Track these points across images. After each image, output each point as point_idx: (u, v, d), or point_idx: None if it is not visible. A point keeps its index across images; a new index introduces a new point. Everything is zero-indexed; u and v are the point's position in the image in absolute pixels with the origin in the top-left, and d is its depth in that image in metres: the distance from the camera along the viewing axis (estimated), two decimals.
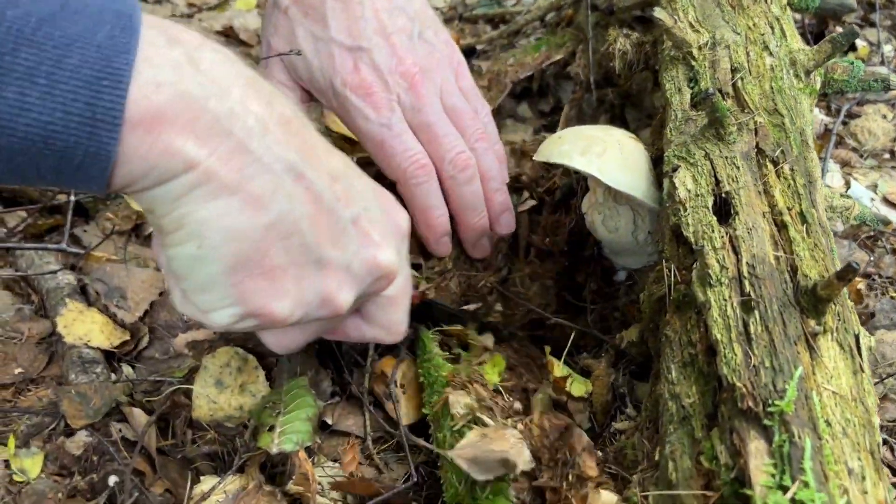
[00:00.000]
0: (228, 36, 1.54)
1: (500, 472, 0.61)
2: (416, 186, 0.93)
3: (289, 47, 0.96)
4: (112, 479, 0.73)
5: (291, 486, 0.73)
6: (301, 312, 0.62)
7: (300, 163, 0.58)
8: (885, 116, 1.36)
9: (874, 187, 1.22)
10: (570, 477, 0.63)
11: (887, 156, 1.30)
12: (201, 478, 0.75)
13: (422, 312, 0.90)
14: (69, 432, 0.80)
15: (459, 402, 0.71)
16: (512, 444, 0.62)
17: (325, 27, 0.93)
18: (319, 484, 0.73)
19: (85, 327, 0.90)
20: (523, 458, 0.62)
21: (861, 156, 1.30)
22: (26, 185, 0.52)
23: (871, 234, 1.14)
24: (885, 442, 0.85)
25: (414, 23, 0.97)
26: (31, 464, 0.75)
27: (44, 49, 0.47)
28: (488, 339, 0.90)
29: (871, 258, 1.11)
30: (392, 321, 0.75)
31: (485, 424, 0.68)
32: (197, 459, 0.80)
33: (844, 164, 1.27)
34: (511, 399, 0.73)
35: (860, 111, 1.38)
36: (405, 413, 0.82)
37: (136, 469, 0.75)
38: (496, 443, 0.63)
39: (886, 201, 1.20)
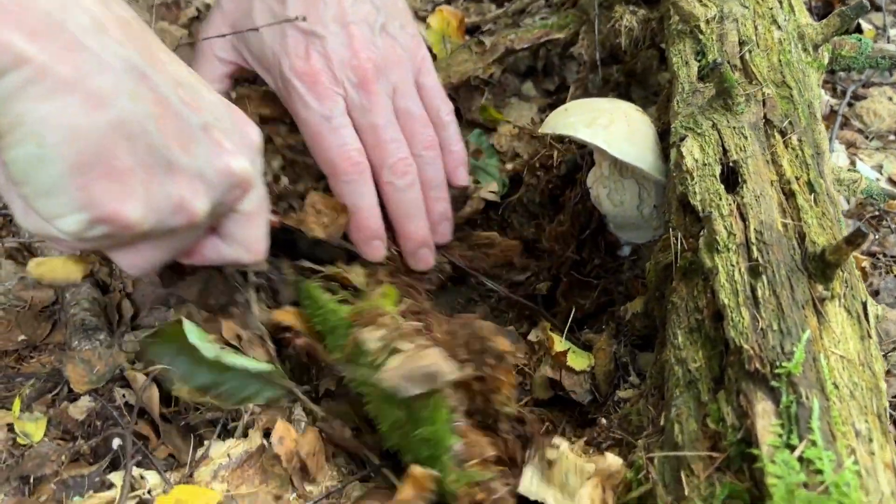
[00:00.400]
0: None
1: (430, 383, 0.63)
2: (345, 184, 0.89)
3: (241, 19, 0.90)
4: (115, 443, 0.73)
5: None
6: (154, 219, 0.60)
7: (142, 64, 0.57)
8: (890, 98, 1.35)
9: (879, 168, 1.22)
10: (490, 359, 0.66)
11: (893, 137, 1.30)
12: (205, 443, 0.75)
13: (283, 242, 0.86)
14: (73, 398, 0.80)
15: (372, 337, 0.70)
16: (436, 358, 0.65)
17: (283, 5, 0.88)
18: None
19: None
20: (450, 367, 0.64)
21: (866, 137, 1.29)
22: None
23: (877, 213, 1.13)
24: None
25: (379, 13, 0.92)
26: (34, 427, 0.75)
27: None
28: (358, 274, 0.88)
29: (876, 237, 1.11)
30: (251, 238, 0.72)
31: (402, 350, 0.69)
32: (200, 426, 0.80)
33: (850, 144, 1.27)
34: (413, 320, 0.74)
35: (866, 93, 1.37)
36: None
37: (139, 433, 0.75)
38: (421, 360, 0.65)
39: (892, 182, 1.19)
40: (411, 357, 0.66)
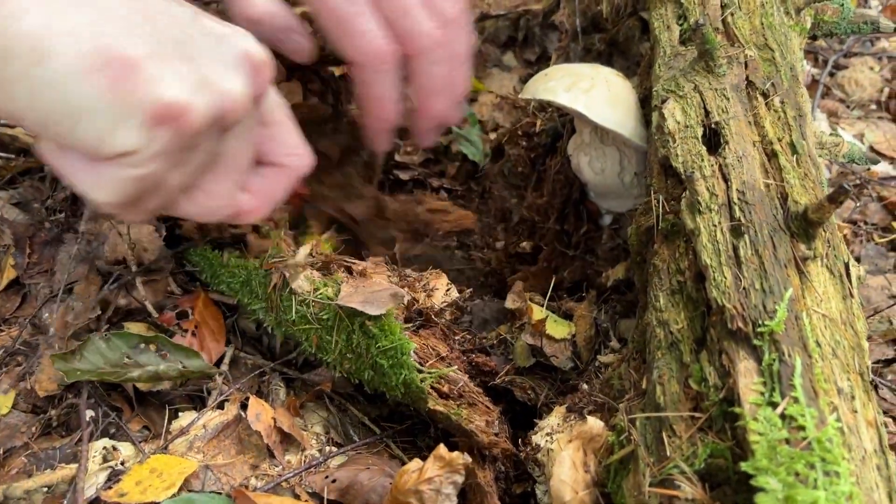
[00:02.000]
0: None
1: (392, 304, 0.68)
2: (375, 73, 0.84)
3: None
4: (88, 415, 0.71)
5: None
6: (204, 100, 0.54)
7: None
8: (871, 68, 1.35)
9: (861, 137, 1.21)
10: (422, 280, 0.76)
11: (874, 106, 1.30)
12: (180, 414, 0.73)
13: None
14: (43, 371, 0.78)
15: (297, 278, 0.73)
16: (389, 284, 0.71)
17: None
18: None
19: None
20: (404, 292, 0.70)
21: (848, 106, 1.29)
22: None
23: (858, 181, 1.13)
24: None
25: None
26: (2, 399, 0.73)
27: None
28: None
29: (858, 205, 1.10)
30: (292, 143, 0.69)
31: (340, 282, 0.73)
32: (176, 400, 0.79)
33: (831, 114, 1.27)
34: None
35: (847, 63, 1.37)
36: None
37: (113, 405, 0.74)
38: (375, 286, 0.70)
39: (873, 150, 1.19)
40: (362, 287, 0.70)
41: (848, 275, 0.64)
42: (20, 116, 0.52)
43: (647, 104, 0.86)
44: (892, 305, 0.91)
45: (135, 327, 0.80)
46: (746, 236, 0.61)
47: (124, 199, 0.56)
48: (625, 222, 0.97)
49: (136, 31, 0.52)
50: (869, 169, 1.10)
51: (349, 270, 0.73)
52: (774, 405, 0.50)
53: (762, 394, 0.52)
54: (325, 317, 0.70)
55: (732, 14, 0.86)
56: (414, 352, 0.67)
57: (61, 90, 0.49)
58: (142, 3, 0.54)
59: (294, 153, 0.69)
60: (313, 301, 0.70)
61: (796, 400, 0.50)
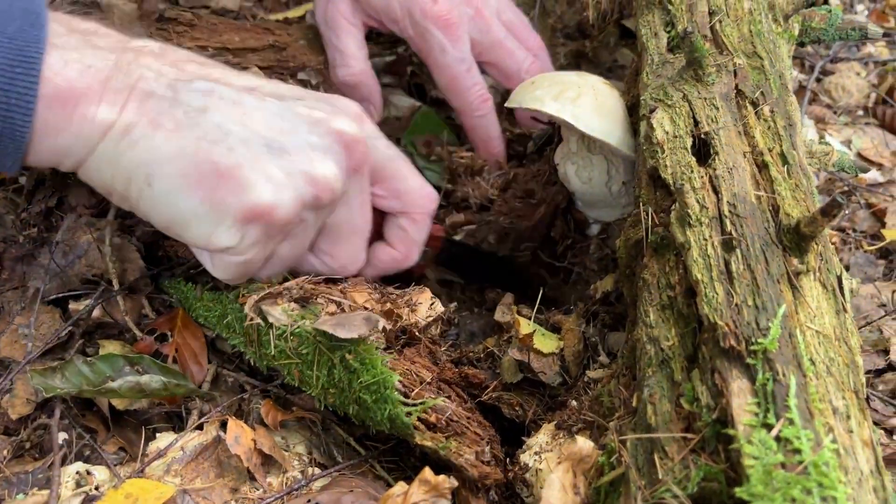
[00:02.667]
0: None
1: (366, 328, 0.65)
2: (479, 118, 1.03)
3: None
4: (62, 437, 0.69)
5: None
6: (290, 195, 0.63)
7: (206, 83, 0.63)
8: (858, 73, 1.34)
9: (848, 143, 1.21)
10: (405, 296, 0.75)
11: (861, 112, 1.29)
12: (157, 435, 0.71)
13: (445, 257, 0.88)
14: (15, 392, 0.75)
15: (274, 311, 0.70)
16: (367, 312, 0.69)
17: None
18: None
19: None
20: (381, 319, 0.68)
21: (835, 112, 1.28)
22: None
23: (846, 188, 1.12)
24: None
25: None
26: None
27: None
28: None
29: (846, 212, 1.10)
30: (415, 192, 0.77)
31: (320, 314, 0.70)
32: (154, 419, 0.77)
33: (818, 120, 1.26)
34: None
35: (834, 68, 1.36)
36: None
37: (88, 426, 0.71)
38: (353, 313, 0.69)
39: (861, 157, 1.18)
40: (341, 314, 0.68)
41: (841, 288, 0.63)
42: (151, 220, 0.65)
43: (634, 112, 0.85)
44: (884, 317, 0.90)
45: (111, 345, 0.78)
46: (738, 250, 0.60)
47: (239, 277, 0.68)
48: (613, 232, 0.96)
49: (232, 140, 0.62)
50: (857, 175, 1.09)
51: (329, 299, 0.71)
52: (769, 427, 0.49)
53: (756, 415, 0.50)
54: (304, 351, 0.68)
55: (720, 21, 0.85)
56: (398, 381, 0.64)
57: (170, 204, 0.62)
58: (240, 108, 0.64)
59: (416, 201, 0.77)
60: (291, 335, 0.68)
61: (791, 421, 0.49)
